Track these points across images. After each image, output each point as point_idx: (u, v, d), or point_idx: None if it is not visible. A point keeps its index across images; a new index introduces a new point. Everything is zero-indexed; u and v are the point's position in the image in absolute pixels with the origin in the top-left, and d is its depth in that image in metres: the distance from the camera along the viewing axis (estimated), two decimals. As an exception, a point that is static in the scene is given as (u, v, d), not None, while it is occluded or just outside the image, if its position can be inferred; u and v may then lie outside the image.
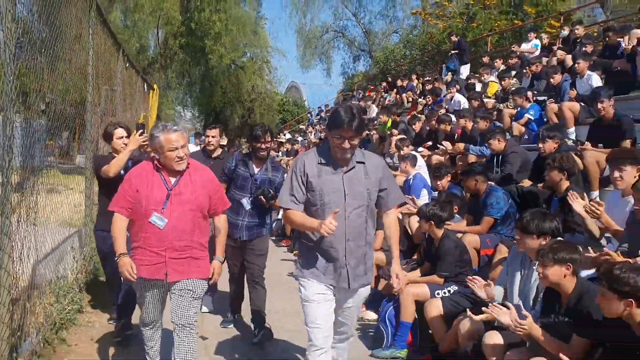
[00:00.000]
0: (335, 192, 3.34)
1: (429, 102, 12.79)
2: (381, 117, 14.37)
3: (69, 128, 6.40)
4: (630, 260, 3.23)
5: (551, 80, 8.94)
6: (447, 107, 11.70)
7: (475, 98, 9.32)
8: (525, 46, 13.18)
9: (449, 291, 4.84)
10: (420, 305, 4.87)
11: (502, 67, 12.53)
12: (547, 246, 3.43)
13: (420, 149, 9.11)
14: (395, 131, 11.83)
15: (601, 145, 6.03)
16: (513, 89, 9.40)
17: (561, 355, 3.00)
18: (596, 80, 8.00)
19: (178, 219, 3.65)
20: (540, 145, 5.75)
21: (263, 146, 5.01)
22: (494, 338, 3.67)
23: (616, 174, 4.25)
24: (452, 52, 15.55)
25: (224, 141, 13.44)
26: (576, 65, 8.21)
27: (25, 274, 4.41)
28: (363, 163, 3.43)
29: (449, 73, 15.18)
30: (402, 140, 8.92)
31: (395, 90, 19.78)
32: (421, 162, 8.15)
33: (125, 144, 4.85)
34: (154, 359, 4.10)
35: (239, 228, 5.07)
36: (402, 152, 8.57)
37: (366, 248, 3.48)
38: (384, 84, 22.13)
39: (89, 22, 6.52)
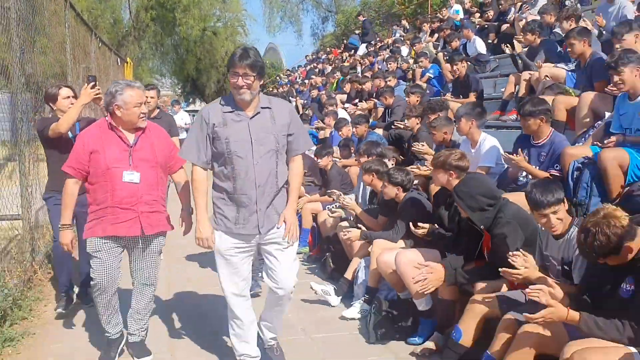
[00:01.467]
0: (242, 140, 3.35)
1: (366, 64, 14.65)
2: (330, 79, 16.30)
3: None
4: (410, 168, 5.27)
5: (451, 44, 10.84)
6: (380, 67, 13.58)
7: (391, 61, 11.21)
8: (450, 11, 15.02)
9: (335, 206, 6.85)
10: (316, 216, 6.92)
11: (429, 31, 14.35)
12: (365, 162, 5.47)
13: (346, 105, 11.06)
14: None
15: (461, 97, 8.03)
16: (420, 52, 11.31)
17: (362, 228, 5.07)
18: (479, 43, 9.93)
19: (144, 174, 3.70)
20: (407, 99, 7.72)
21: None
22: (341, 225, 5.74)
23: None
24: (356, 31, 17.71)
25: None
26: (463, 31, 10.13)
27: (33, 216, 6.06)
28: (269, 108, 3.45)
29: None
30: (329, 99, 10.86)
31: (351, 52, 21.62)
32: (344, 116, 10.09)
33: (73, 104, 4.56)
34: (116, 327, 4.02)
35: None
36: (329, 109, 10.50)
37: (276, 192, 3.48)
38: (342, 46, 23.95)
39: (64, 18, 8.28)
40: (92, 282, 3.81)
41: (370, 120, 8.57)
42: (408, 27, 18.04)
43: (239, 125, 3.36)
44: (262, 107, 3.42)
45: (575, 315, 2.72)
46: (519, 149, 4.61)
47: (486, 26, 11.40)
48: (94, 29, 11.23)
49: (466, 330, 3.41)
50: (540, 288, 2.83)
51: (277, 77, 32.62)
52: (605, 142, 4.27)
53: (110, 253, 3.74)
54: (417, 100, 7.55)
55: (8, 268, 5.12)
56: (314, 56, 29.96)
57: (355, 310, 4.70)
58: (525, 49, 7.46)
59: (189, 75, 33.49)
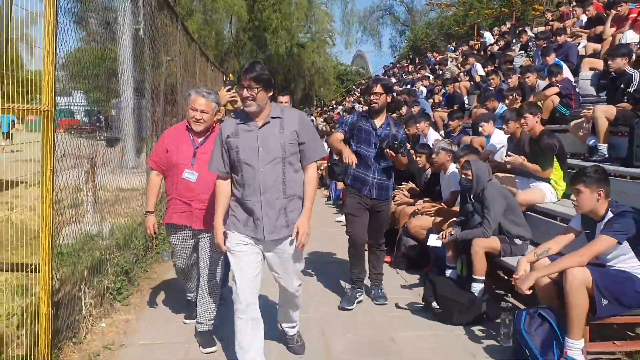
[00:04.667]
0: (250, 149, 3.47)
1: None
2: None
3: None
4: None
5: (465, 67, 14.64)
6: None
7: (425, 80, 15.26)
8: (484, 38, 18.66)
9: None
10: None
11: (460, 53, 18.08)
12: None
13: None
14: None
15: (448, 108, 11.97)
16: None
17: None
18: (479, 68, 13.66)
19: (203, 175, 4.03)
20: (412, 109, 11.77)
21: (372, 97, 4.95)
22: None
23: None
24: None
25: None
26: (469, 60, 13.98)
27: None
28: (280, 118, 3.53)
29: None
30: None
31: (414, 65, 25.55)
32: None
33: None
34: (195, 292, 4.52)
35: (369, 184, 5.05)
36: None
37: (286, 201, 3.53)
38: (409, 60, 27.95)
39: (194, 55, 12.95)
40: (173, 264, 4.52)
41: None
42: (454, 47, 21.67)
43: (249, 135, 3.48)
44: (272, 117, 3.52)
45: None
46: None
47: (494, 53, 15.10)
48: (209, 57, 16.04)
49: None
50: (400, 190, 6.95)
51: (353, 87, 36.94)
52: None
53: (180, 240, 4.28)
54: (417, 110, 11.57)
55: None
56: (391, 67, 34.20)
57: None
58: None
59: (279, 84, 38.59)
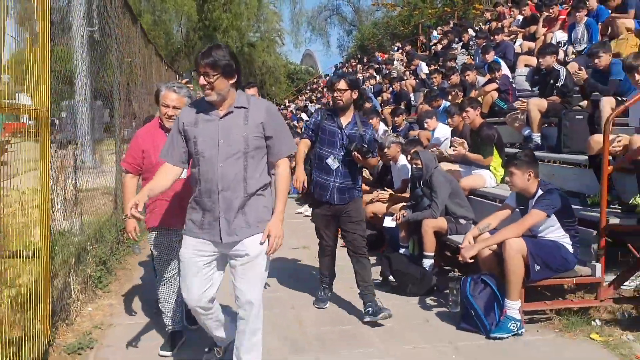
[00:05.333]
0: (209, 140, 3.16)
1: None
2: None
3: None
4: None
5: (410, 67, 15.38)
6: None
7: (371, 79, 15.89)
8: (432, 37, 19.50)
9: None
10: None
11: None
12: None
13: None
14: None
15: (395, 104, 12.65)
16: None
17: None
18: (423, 67, 14.39)
19: (189, 170, 3.65)
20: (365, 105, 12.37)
21: (336, 94, 4.65)
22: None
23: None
24: None
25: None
26: (414, 61, 14.72)
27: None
28: (245, 108, 3.20)
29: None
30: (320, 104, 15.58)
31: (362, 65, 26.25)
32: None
33: None
34: (174, 322, 4.17)
35: (329, 190, 4.73)
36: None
37: (246, 199, 3.19)
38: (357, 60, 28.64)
39: (150, 56, 13.23)
40: (156, 271, 4.20)
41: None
42: (398, 47, 22.47)
43: (209, 125, 3.19)
44: (235, 107, 3.21)
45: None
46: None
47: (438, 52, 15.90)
48: (163, 58, 16.29)
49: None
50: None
51: (304, 85, 37.46)
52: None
53: (166, 243, 3.98)
54: (369, 107, 12.17)
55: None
56: (340, 66, 34.88)
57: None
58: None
59: (232, 83, 38.91)
